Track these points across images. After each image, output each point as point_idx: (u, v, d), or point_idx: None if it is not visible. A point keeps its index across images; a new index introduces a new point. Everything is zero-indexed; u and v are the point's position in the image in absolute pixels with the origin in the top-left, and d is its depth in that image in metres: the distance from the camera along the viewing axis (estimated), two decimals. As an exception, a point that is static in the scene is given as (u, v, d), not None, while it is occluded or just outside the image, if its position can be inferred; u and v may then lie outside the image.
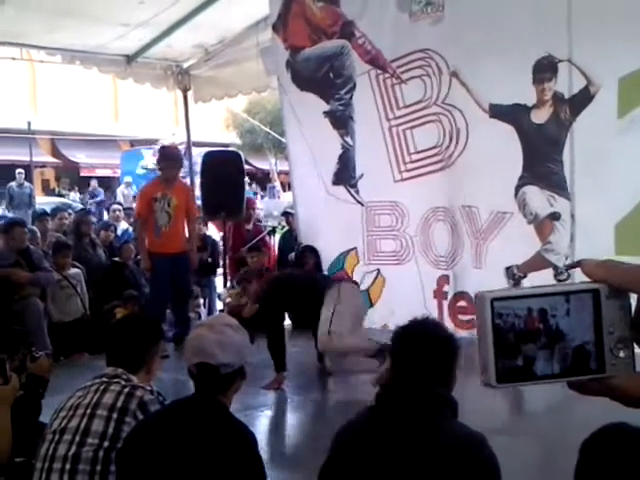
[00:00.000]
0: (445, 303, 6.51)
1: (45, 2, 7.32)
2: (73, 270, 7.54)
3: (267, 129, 18.98)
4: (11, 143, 23.95)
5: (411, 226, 6.70)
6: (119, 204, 12.56)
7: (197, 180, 9.63)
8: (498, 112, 5.98)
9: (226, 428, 2.37)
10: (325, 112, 7.20)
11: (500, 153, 6.00)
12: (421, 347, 2.24)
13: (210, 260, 8.96)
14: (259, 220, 10.48)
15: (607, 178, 5.39)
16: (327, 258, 7.18)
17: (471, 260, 6.24)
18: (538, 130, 5.81)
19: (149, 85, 9.61)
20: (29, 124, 22.14)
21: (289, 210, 9.67)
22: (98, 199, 20.51)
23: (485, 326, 0.74)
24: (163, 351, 4.91)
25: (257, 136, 27.22)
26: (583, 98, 5.50)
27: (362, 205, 7.05)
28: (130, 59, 9.04)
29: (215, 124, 27.86)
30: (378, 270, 6.98)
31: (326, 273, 6.99)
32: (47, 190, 26.70)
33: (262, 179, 29.08)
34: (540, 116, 5.81)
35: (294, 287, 5.91)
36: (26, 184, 17.40)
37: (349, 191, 7.12)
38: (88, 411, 2.66)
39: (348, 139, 7.13)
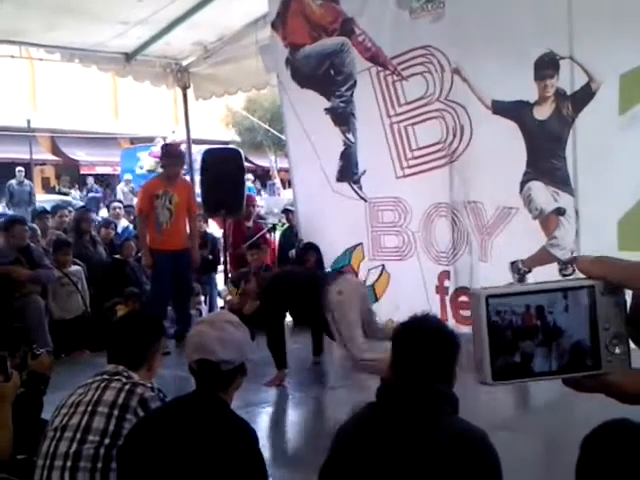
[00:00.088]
0: (447, 298, 6.52)
1: (44, 0, 7.31)
2: (74, 267, 7.55)
3: (266, 126, 18.96)
4: (11, 141, 23.91)
5: (413, 222, 6.71)
6: (119, 202, 12.56)
7: (197, 177, 9.64)
8: (501, 108, 5.98)
9: (227, 425, 2.37)
10: (326, 109, 7.20)
11: (504, 149, 6.00)
12: (422, 343, 2.24)
13: (210, 257, 8.97)
14: (261, 217, 10.47)
15: (609, 174, 5.39)
16: (331, 255, 7.18)
17: (477, 255, 6.25)
18: (541, 126, 5.82)
19: (148, 83, 9.60)
20: (29, 122, 22.10)
21: (289, 207, 9.67)
22: (92, 194, 20.53)
23: (480, 323, 0.74)
24: (164, 348, 4.92)
25: (256, 134, 27.20)
26: (585, 95, 5.50)
27: (365, 201, 7.05)
28: (129, 57, 9.03)
29: (215, 122, 27.84)
30: (383, 266, 6.99)
31: (329, 269, 6.98)
32: (47, 188, 26.66)
33: (262, 176, 29.04)
34: (542, 112, 5.81)
35: (294, 284, 5.90)
36: (26, 182, 17.40)
37: (352, 187, 7.13)
38: (89, 408, 2.66)
39: (350, 136, 7.13)
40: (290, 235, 8.98)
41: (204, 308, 8.78)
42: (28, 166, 20.30)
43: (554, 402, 4.53)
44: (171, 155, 7.65)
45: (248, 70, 8.44)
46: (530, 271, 5.89)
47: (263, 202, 16.62)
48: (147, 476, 2.32)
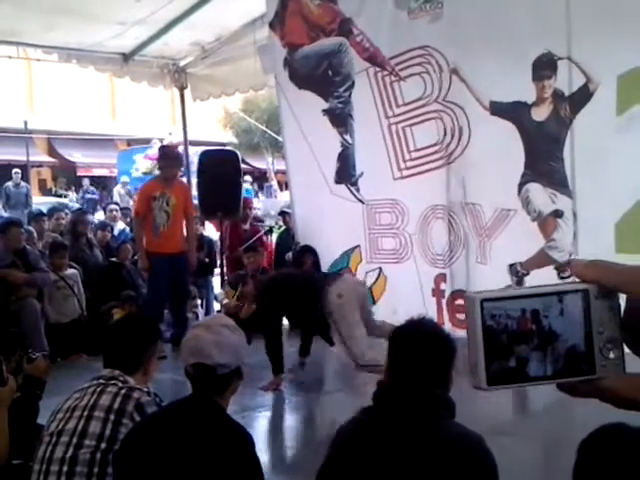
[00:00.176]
0: (443, 302, 6.51)
1: (42, 0, 7.30)
2: (70, 271, 7.53)
3: (263, 128, 18.96)
4: (7, 143, 23.89)
5: (410, 224, 6.70)
6: (116, 204, 12.54)
7: (193, 179, 9.64)
8: (499, 109, 5.98)
9: (223, 429, 2.36)
10: (324, 110, 7.19)
11: (502, 150, 6.00)
12: (418, 347, 2.23)
13: (207, 260, 8.95)
14: (259, 220, 10.46)
15: (607, 176, 5.39)
16: (328, 257, 7.17)
17: (475, 257, 6.24)
18: (539, 128, 5.81)
19: (146, 83, 9.59)
20: (26, 123, 22.10)
21: (286, 209, 9.65)
22: (89, 196, 20.51)
23: (475, 327, 0.73)
24: (160, 352, 4.91)
25: (254, 135, 27.19)
26: (582, 96, 5.50)
27: (363, 203, 7.04)
28: (127, 57, 9.03)
29: (212, 123, 27.83)
30: (380, 268, 6.98)
31: (326, 272, 6.96)
32: (44, 190, 26.65)
33: (259, 178, 29.05)
34: (540, 114, 5.81)
35: (291, 286, 5.89)
36: (23, 184, 17.37)
37: (350, 189, 7.12)
38: (85, 413, 2.65)
39: (347, 137, 7.12)
40: (287, 237, 8.97)
41: (200, 311, 8.76)
42: (25, 168, 20.29)
43: (551, 406, 4.52)
44: (168, 157, 7.63)
45: (246, 71, 8.44)
46: (528, 273, 5.88)
47: (260, 204, 16.62)
48: (143, 481, 2.31)
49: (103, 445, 2.58)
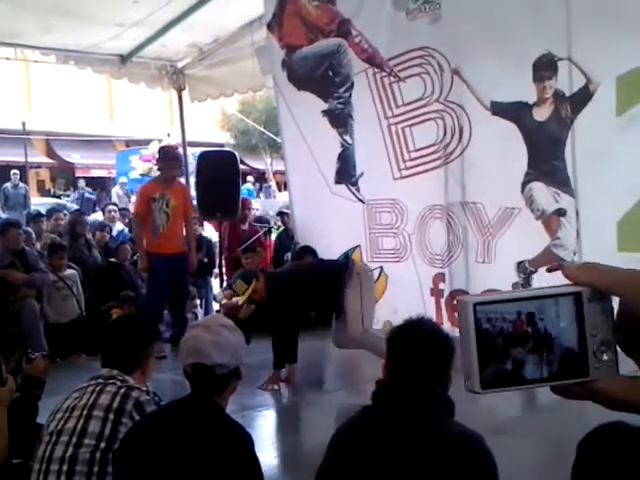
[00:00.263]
0: (442, 301, 6.52)
1: (39, 2, 7.30)
2: (69, 271, 7.53)
3: (261, 129, 18.96)
4: (6, 144, 23.86)
5: (409, 224, 6.72)
6: (114, 205, 12.54)
7: (192, 180, 9.64)
8: (500, 109, 5.99)
9: (222, 429, 2.36)
10: (323, 111, 7.19)
11: (503, 150, 6.02)
12: (417, 347, 2.24)
13: (206, 260, 8.96)
14: (262, 220, 10.46)
15: (608, 176, 5.42)
16: (328, 257, 7.16)
17: (476, 256, 6.25)
18: (540, 127, 5.84)
19: (144, 85, 9.59)
20: (24, 124, 22.10)
21: (284, 210, 9.66)
22: (87, 196, 20.49)
23: (468, 331, 0.74)
24: (160, 352, 4.93)
25: (251, 136, 27.20)
26: (583, 96, 5.53)
27: (363, 203, 7.05)
28: (124, 59, 9.03)
29: (210, 124, 27.83)
30: (381, 268, 6.99)
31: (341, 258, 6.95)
32: (42, 191, 26.64)
33: (258, 179, 29.06)
34: (541, 114, 5.83)
35: (306, 277, 5.89)
36: (21, 185, 17.36)
37: (350, 189, 7.13)
38: (84, 412, 2.66)
39: (347, 138, 7.13)
40: (286, 238, 8.98)
41: (200, 311, 8.77)
42: (23, 169, 20.30)
43: (550, 405, 4.52)
44: (168, 157, 7.63)
45: (244, 72, 8.44)
46: (536, 271, 5.89)
47: (258, 204, 16.62)
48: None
49: (103, 444, 2.59)
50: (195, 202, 8.26)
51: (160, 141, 19.53)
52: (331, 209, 7.24)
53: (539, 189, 5.89)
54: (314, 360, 6.55)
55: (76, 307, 7.44)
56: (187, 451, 2.23)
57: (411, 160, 6.65)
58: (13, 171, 17.67)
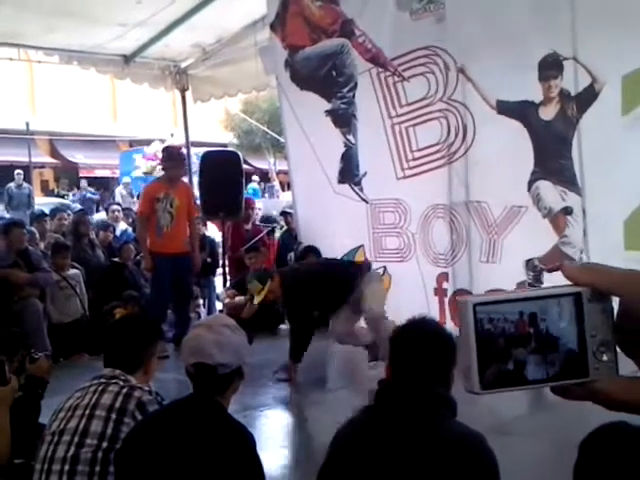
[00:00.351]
0: (445, 301, 6.52)
1: (43, 2, 7.32)
2: (72, 271, 7.55)
3: (265, 128, 18.96)
4: (10, 144, 23.89)
5: (412, 224, 6.72)
6: (118, 204, 12.55)
7: (195, 180, 9.64)
8: (505, 108, 6.00)
9: (224, 429, 2.36)
10: (327, 111, 7.20)
11: (509, 148, 6.02)
12: (420, 346, 2.23)
13: (209, 260, 8.96)
14: (269, 219, 10.45)
15: (615, 174, 5.44)
16: (331, 256, 7.17)
17: (480, 255, 6.25)
18: (547, 126, 5.85)
19: (147, 85, 9.61)
20: (27, 125, 22.11)
21: (288, 210, 9.66)
22: (89, 196, 20.50)
23: (467, 331, 0.73)
24: (163, 351, 4.92)
25: (255, 136, 27.19)
26: (588, 96, 5.54)
27: (367, 203, 7.06)
28: (128, 59, 9.04)
29: (213, 124, 27.84)
30: (385, 267, 6.99)
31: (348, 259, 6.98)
32: (46, 191, 26.67)
33: (261, 178, 29.05)
34: (548, 113, 5.84)
35: (320, 277, 5.92)
36: (25, 185, 17.38)
37: (353, 189, 7.14)
38: (87, 412, 2.66)
39: (350, 137, 7.13)
40: (289, 238, 8.98)
41: (203, 311, 8.77)
42: (27, 169, 20.29)
43: (552, 405, 4.51)
44: (172, 158, 7.63)
45: (247, 72, 8.45)
46: (546, 269, 5.88)
47: (260, 204, 16.60)
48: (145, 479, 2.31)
49: (105, 444, 2.59)
50: (198, 202, 8.27)
51: (162, 141, 19.57)
52: (334, 209, 7.25)
53: (546, 187, 5.89)
54: (316, 359, 6.54)
55: (79, 307, 7.45)
56: (189, 451, 2.23)
57: (414, 160, 6.66)
58: (17, 171, 17.68)
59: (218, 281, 9.22)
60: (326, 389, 6.16)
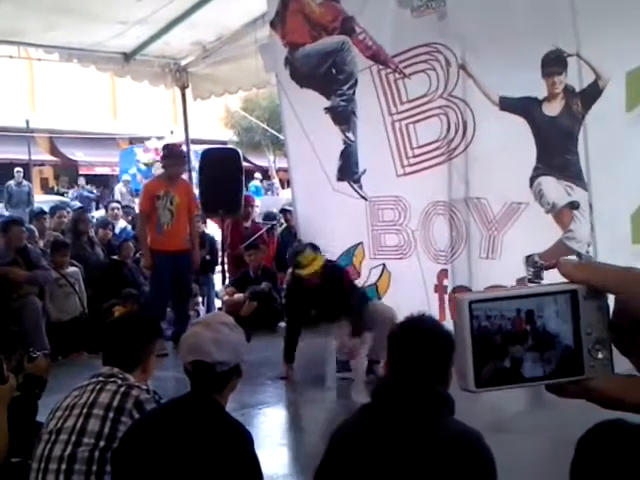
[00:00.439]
0: (446, 297, 6.51)
1: (43, 0, 7.30)
2: (71, 269, 7.54)
3: (264, 126, 18.96)
4: (9, 142, 23.90)
5: (412, 221, 6.71)
6: (117, 202, 12.56)
7: (195, 177, 9.64)
8: (509, 105, 5.99)
9: (222, 427, 2.36)
10: (326, 108, 7.18)
11: (510, 145, 6.01)
12: (418, 344, 2.23)
13: (209, 258, 8.96)
14: (269, 216, 10.45)
15: (621, 170, 5.45)
16: (330, 255, 7.16)
17: (480, 251, 6.25)
18: (551, 122, 5.84)
19: (147, 83, 9.60)
20: (27, 122, 22.09)
21: (287, 207, 9.66)
22: (86, 194, 20.51)
23: (463, 329, 0.73)
24: (162, 349, 4.93)
25: (255, 133, 27.19)
26: (593, 92, 5.54)
27: (366, 200, 7.05)
28: (128, 57, 9.03)
29: (213, 121, 27.83)
30: (384, 265, 6.99)
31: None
32: (46, 188, 26.67)
33: (261, 176, 29.04)
34: (552, 109, 5.83)
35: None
36: (25, 183, 17.38)
37: (352, 186, 7.12)
38: (84, 411, 2.65)
39: (350, 135, 7.12)
40: (289, 235, 8.97)
41: (202, 309, 8.77)
42: (27, 167, 20.27)
43: (550, 403, 4.51)
44: (172, 155, 7.64)
45: (247, 69, 8.44)
46: (546, 264, 5.87)
47: (258, 202, 16.59)
48: (142, 479, 2.31)
49: (102, 443, 2.59)
50: (198, 199, 8.27)
51: (161, 138, 19.57)
52: (333, 206, 7.24)
53: (548, 183, 5.89)
54: (314, 357, 6.54)
55: (78, 305, 7.45)
56: (187, 449, 2.23)
57: (415, 157, 6.65)
58: (17, 169, 17.68)
59: (217, 279, 9.21)
60: (325, 387, 6.17)
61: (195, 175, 9.50)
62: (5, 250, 6.87)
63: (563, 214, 5.84)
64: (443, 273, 6.54)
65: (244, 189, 8.89)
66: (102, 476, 2.56)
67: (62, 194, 22.76)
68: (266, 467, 2.50)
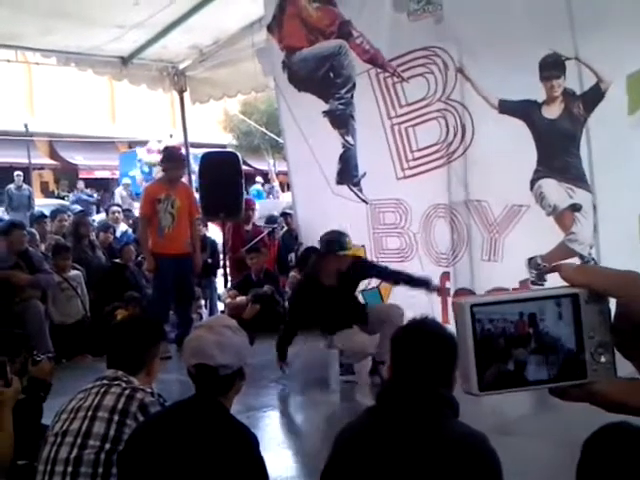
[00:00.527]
0: (449, 300, 6.51)
1: (40, 4, 7.30)
2: (73, 272, 7.55)
3: (263, 129, 18.95)
4: (9, 145, 23.88)
5: (414, 224, 6.72)
6: (118, 206, 12.56)
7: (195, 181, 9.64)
8: (508, 108, 5.99)
9: (227, 430, 2.37)
10: (324, 112, 7.19)
11: (510, 148, 6.02)
12: (422, 347, 2.24)
13: (210, 261, 8.97)
14: (271, 219, 10.44)
15: (625, 171, 5.45)
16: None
17: (481, 254, 6.25)
18: (551, 125, 5.84)
19: (145, 86, 9.60)
20: (26, 126, 22.08)
21: (288, 211, 9.66)
22: (85, 198, 20.48)
23: (465, 333, 0.73)
24: (165, 352, 4.92)
25: (254, 137, 27.18)
26: (595, 95, 5.54)
27: (366, 203, 7.05)
28: (125, 61, 9.04)
29: (212, 125, 27.82)
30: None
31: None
32: (46, 192, 26.66)
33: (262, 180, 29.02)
34: (552, 112, 5.84)
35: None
36: (25, 186, 17.37)
37: (352, 190, 7.13)
38: (89, 413, 2.66)
39: (349, 138, 7.12)
40: (289, 238, 8.98)
41: (204, 312, 8.78)
42: (26, 170, 20.26)
43: (555, 406, 4.50)
44: (172, 158, 7.64)
45: (245, 73, 8.45)
46: (549, 267, 5.87)
47: (257, 205, 16.56)
48: (148, 482, 2.32)
49: (107, 445, 2.59)
50: (198, 203, 8.27)
51: (160, 141, 19.55)
52: (333, 209, 7.24)
53: (549, 185, 5.89)
54: (318, 360, 6.55)
55: (81, 308, 7.46)
56: (192, 452, 2.23)
57: (414, 160, 6.66)
58: (17, 173, 17.67)
59: (219, 282, 9.22)
60: (330, 389, 6.17)
61: (195, 178, 9.50)
62: (7, 254, 6.87)
63: (565, 216, 5.84)
64: (445, 276, 6.55)
65: (244, 192, 8.89)
66: (108, 478, 2.56)
67: (62, 198, 22.75)
68: (271, 469, 2.50)
